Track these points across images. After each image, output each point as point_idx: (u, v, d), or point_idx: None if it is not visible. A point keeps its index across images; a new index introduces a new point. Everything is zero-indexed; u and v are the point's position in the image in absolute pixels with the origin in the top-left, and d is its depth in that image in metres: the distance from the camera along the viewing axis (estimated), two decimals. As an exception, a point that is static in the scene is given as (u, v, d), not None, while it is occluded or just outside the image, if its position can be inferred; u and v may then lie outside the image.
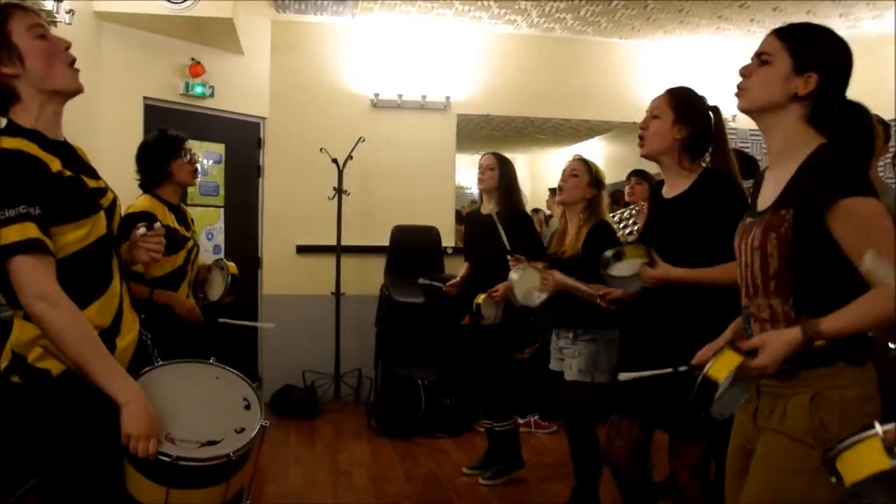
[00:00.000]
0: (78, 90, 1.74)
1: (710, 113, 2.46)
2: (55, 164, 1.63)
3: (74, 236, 1.66)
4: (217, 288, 3.16)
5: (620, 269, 2.46)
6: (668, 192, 2.48)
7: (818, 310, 1.53)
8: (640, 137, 2.48)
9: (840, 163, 1.55)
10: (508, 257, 3.42)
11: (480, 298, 3.70)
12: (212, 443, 1.74)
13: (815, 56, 1.60)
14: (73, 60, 1.73)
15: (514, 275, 3.37)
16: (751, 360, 1.54)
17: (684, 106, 2.43)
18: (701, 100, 2.48)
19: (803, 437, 1.56)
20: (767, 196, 1.67)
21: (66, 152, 1.72)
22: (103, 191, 1.79)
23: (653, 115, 2.46)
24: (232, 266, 3.16)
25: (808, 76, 1.59)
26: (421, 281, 4.32)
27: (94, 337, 1.62)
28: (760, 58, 1.65)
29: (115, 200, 1.83)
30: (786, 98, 1.61)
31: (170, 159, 3.06)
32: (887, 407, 1.58)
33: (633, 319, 2.58)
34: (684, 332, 2.21)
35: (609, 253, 2.40)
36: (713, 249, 2.12)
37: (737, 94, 1.69)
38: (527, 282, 3.33)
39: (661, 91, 2.51)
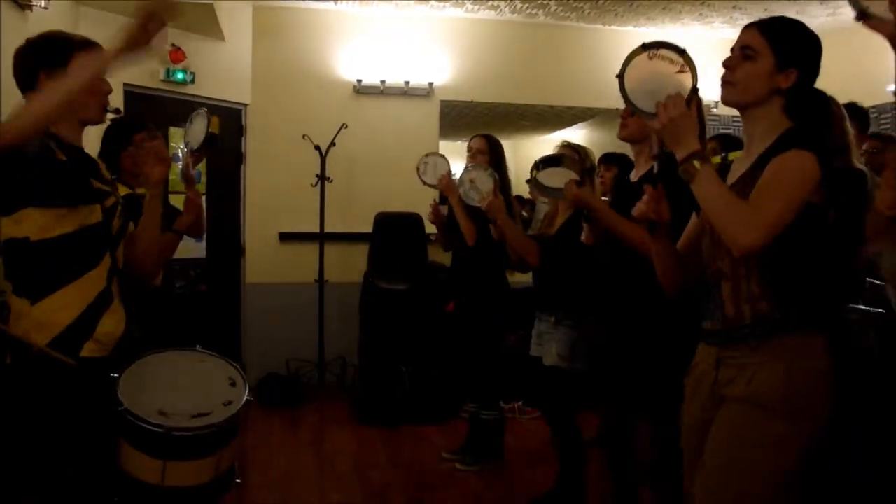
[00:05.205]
0: (99, 123, 2.02)
1: None
2: (58, 154, 1.82)
3: (62, 220, 1.82)
4: (196, 137, 3.03)
5: (550, 178, 2.53)
6: (634, 175, 2.53)
7: (781, 270, 1.62)
8: (623, 120, 2.53)
9: (800, 133, 1.66)
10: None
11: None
12: (201, 415, 1.92)
13: (796, 53, 1.70)
14: (108, 102, 2.01)
15: (472, 167, 3.56)
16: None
17: None
18: None
19: (771, 404, 1.59)
20: (737, 172, 1.75)
21: (79, 155, 1.93)
22: (107, 194, 1.97)
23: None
24: (215, 122, 3.00)
25: (789, 72, 1.68)
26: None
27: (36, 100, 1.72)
28: (744, 52, 1.71)
29: (116, 204, 1.98)
30: (769, 92, 1.70)
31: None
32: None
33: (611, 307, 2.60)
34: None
35: (544, 156, 2.43)
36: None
37: (722, 86, 1.75)
38: (480, 182, 3.49)
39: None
